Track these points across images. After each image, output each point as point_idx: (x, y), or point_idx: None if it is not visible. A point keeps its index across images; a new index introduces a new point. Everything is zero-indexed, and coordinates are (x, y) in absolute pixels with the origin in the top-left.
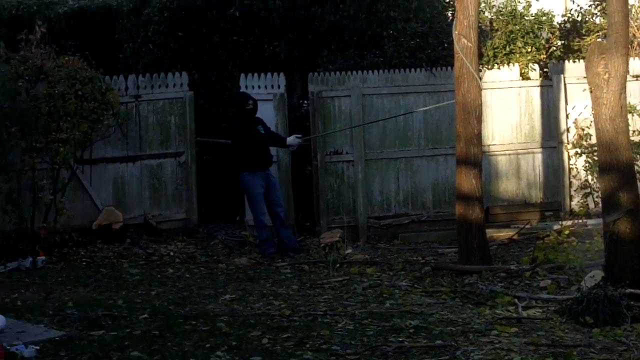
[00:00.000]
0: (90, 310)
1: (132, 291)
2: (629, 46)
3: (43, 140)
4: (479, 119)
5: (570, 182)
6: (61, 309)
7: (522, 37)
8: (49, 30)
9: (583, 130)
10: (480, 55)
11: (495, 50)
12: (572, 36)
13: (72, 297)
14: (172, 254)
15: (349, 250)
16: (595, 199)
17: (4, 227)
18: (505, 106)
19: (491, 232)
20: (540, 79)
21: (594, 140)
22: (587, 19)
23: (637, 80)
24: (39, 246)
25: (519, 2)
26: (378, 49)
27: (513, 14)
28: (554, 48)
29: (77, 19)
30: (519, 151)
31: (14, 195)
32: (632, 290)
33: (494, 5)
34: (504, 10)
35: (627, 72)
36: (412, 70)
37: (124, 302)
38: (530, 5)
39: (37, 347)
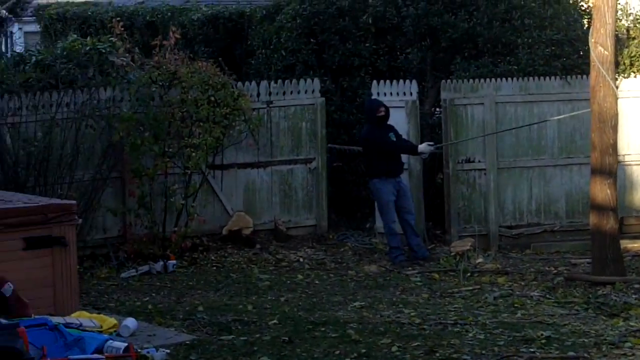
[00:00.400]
0: (220, 315)
1: (262, 297)
2: None
3: (175, 145)
4: (615, 128)
5: None
6: (191, 313)
7: None
8: (182, 36)
9: None
10: (617, 64)
11: (632, 59)
12: None
13: (202, 302)
14: (301, 260)
15: (480, 259)
16: None
17: (136, 230)
18: None
19: (625, 243)
20: None
21: None
22: None
23: None
24: (170, 250)
25: None
26: (512, 56)
27: None
28: None
29: (210, 25)
30: None
31: (146, 199)
32: None
33: (630, 13)
34: None
35: None
36: (547, 78)
37: (254, 308)
38: None
39: (168, 351)
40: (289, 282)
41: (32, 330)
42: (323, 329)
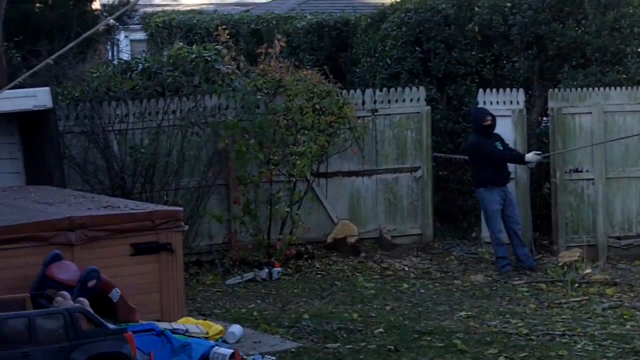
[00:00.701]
0: (325, 323)
1: (367, 305)
2: None
3: (280, 153)
4: None
5: None
6: (297, 321)
7: None
8: (287, 44)
9: None
10: None
11: None
12: None
13: (307, 309)
14: (406, 268)
15: (588, 270)
16: None
17: (241, 238)
18: None
19: None
20: None
21: None
22: None
23: None
24: (275, 257)
25: None
26: (620, 65)
27: None
28: None
29: (315, 33)
30: None
31: (251, 206)
32: None
33: None
34: None
35: None
36: None
37: (359, 316)
38: None
39: (273, 358)
40: (394, 290)
41: (139, 336)
42: (429, 338)
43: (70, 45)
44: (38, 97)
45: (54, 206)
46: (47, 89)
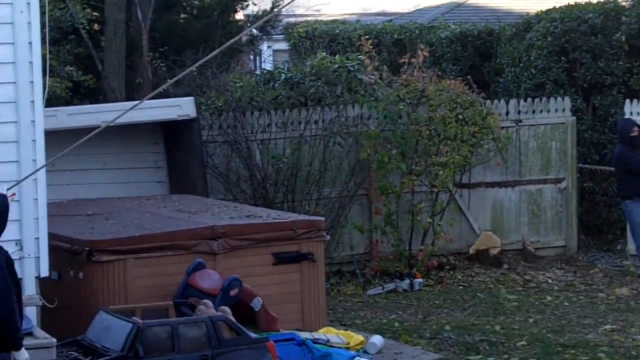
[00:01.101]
0: (467, 335)
1: (510, 317)
2: None
3: (422, 163)
4: None
5: None
6: (438, 332)
7: None
8: (430, 54)
9: None
10: None
11: None
12: None
13: (449, 321)
14: (550, 281)
15: None
16: None
17: (382, 248)
18: None
19: None
20: None
21: None
22: None
23: None
24: (416, 268)
25: None
26: None
27: None
28: None
29: (459, 43)
30: None
31: (393, 217)
32: None
33: None
34: None
35: None
36: None
37: (502, 328)
38: None
39: None
40: (537, 303)
41: (280, 345)
42: (573, 351)
43: (213, 54)
44: (182, 107)
45: (197, 215)
46: (191, 98)
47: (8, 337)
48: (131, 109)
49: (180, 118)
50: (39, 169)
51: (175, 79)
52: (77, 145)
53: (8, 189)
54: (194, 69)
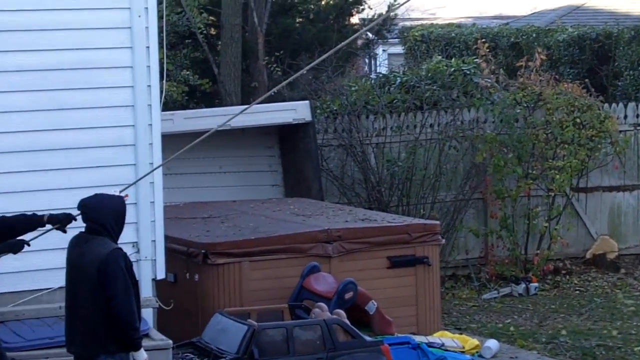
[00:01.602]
0: (583, 340)
1: (627, 322)
2: None
3: (539, 167)
4: None
5: None
6: (554, 337)
7: None
8: (547, 58)
9: None
10: None
11: None
12: None
13: (565, 326)
14: None
15: None
16: None
17: (498, 252)
18: None
19: None
20: None
21: None
22: None
23: None
24: (532, 273)
25: None
26: None
27: None
28: None
29: (576, 46)
30: None
31: (509, 221)
32: None
33: None
34: None
35: None
36: None
37: (619, 333)
38: None
39: None
40: None
41: (395, 349)
42: None
43: (326, 55)
44: (298, 111)
45: (312, 218)
46: (306, 102)
47: (128, 337)
48: (241, 112)
49: (296, 122)
50: (152, 171)
51: (286, 82)
52: (188, 148)
53: (121, 191)
54: (305, 72)
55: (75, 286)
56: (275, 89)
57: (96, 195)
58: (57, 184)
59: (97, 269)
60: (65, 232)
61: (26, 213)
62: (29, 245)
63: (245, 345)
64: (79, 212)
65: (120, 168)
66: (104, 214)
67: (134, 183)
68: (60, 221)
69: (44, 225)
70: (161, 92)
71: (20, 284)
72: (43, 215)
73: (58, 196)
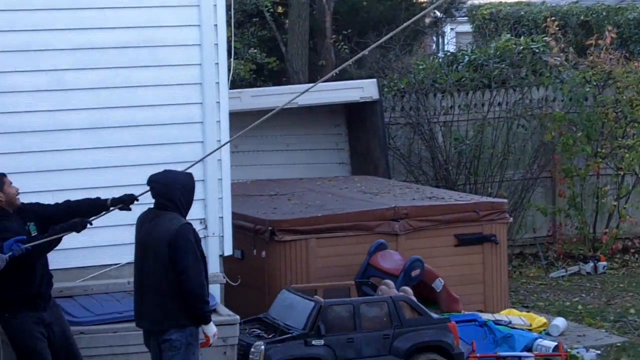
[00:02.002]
0: None
1: None
2: None
3: (608, 146)
4: None
5: None
6: (622, 315)
7: None
8: (617, 36)
9: None
10: None
11: None
12: None
13: (633, 304)
14: None
15: None
16: None
17: (566, 231)
18: None
19: None
20: None
21: None
22: None
23: None
24: (600, 251)
25: None
26: None
27: None
28: None
29: None
30: None
31: (577, 200)
32: None
33: None
34: None
35: None
36: None
37: None
38: None
39: (598, 352)
40: None
41: (462, 326)
42: None
43: (393, 33)
44: (365, 89)
45: (379, 196)
46: (373, 80)
47: (198, 310)
48: (306, 91)
49: (363, 100)
50: (219, 148)
51: (352, 59)
52: (255, 125)
53: (186, 169)
54: (370, 50)
55: (145, 261)
56: (338, 69)
57: (165, 171)
58: (125, 160)
59: (167, 243)
60: (130, 210)
61: (90, 197)
62: (91, 224)
63: (312, 322)
64: (148, 188)
65: (188, 145)
66: (173, 190)
67: (201, 160)
68: (123, 201)
69: (107, 209)
70: (229, 70)
71: (88, 260)
72: (106, 200)
73: (127, 173)
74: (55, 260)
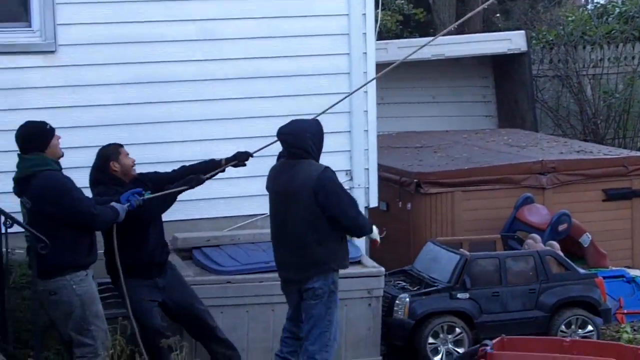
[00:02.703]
0: None
1: None
2: None
3: None
4: None
5: None
6: None
7: None
8: None
9: None
10: None
11: None
12: None
13: None
14: None
15: None
16: None
17: None
18: None
19: None
20: None
21: None
22: None
23: None
24: None
25: None
26: None
27: None
28: None
29: None
30: None
31: None
32: None
33: None
34: None
35: None
36: None
37: None
38: None
39: None
40: None
41: (609, 282)
42: None
43: None
44: (512, 41)
45: (526, 149)
46: (521, 32)
47: (365, 235)
48: (427, 44)
49: (511, 52)
50: (357, 90)
51: (471, 13)
52: (379, 76)
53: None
54: (490, 3)
55: (285, 212)
56: (457, 23)
57: (292, 121)
58: (272, 111)
59: (312, 190)
60: (245, 166)
61: (205, 159)
62: (204, 180)
63: (457, 275)
64: (266, 143)
65: (335, 96)
66: (303, 138)
67: (344, 98)
68: (237, 158)
69: (222, 167)
70: (376, 20)
71: (236, 209)
72: (220, 159)
73: (273, 123)
74: (204, 209)
